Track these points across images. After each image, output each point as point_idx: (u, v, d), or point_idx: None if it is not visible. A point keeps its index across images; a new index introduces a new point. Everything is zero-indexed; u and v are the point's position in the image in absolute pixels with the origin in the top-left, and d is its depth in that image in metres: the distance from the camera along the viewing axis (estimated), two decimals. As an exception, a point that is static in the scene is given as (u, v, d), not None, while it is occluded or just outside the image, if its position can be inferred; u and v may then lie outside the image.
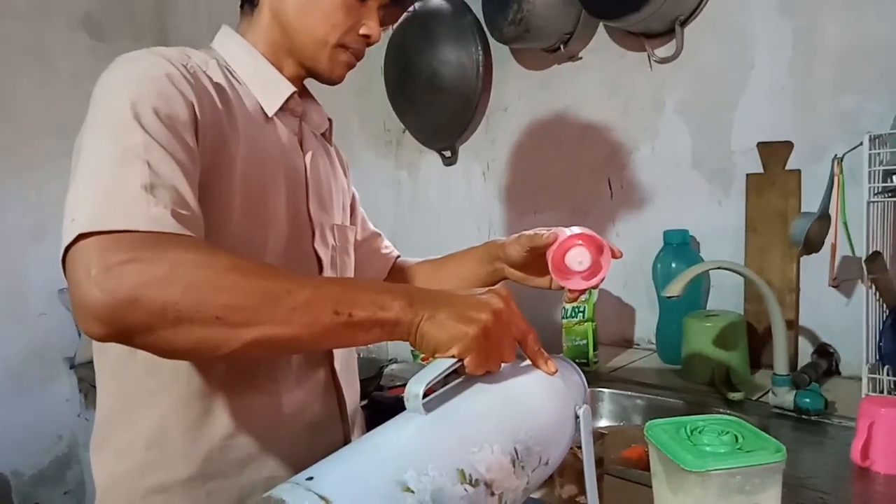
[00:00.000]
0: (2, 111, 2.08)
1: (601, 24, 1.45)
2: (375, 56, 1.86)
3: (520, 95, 1.64)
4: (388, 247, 1.05)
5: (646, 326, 1.46)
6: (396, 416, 0.53)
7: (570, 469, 0.71)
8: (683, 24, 1.31)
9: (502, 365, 0.59)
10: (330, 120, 0.91)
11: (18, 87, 2.11)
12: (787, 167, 1.23)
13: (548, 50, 1.52)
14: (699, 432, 0.63)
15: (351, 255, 0.92)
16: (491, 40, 1.57)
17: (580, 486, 0.71)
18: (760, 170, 1.26)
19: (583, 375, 0.66)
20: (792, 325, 1.20)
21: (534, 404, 0.57)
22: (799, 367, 1.15)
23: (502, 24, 1.42)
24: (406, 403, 0.52)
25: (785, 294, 1.21)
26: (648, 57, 1.38)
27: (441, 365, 0.54)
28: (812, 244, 1.06)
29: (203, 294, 0.51)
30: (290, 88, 0.80)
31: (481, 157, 1.75)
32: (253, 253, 0.73)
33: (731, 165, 1.30)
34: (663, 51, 1.37)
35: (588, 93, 1.51)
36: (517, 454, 0.53)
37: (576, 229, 0.76)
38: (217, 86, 0.72)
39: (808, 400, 0.99)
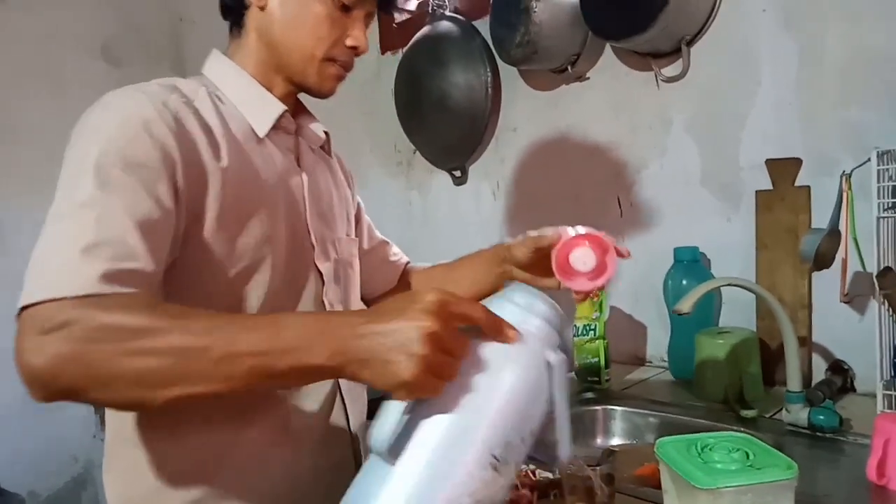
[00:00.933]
0: (17, 136, 2.12)
1: (608, 45, 1.47)
2: (386, 79, 1.89)
3: (528, 116, 1.66)
4: (396, 254, 1.06)
5: (657, 343, 1.45)
6: (365, 469, 0.53)
7: (579, 486, 0.71)
8: (690, 43, 1.33)
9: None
10: (326, 133, 0.92)
11: (33, 112, 2.15)
12: (797, 183, 1.23)
13: (555, 70, 1.53)
14: (710, 449, 0.63)
15: (356, 266, 0.93)
16: (499, 62, 1.59)
17: (590, 502, 0.71)
18: (769, 186, 1.26)
19: (552, 305, 0.58)
20: (805, 341, 1.19)
21: (502, 399, 0.53)
22: (813, 384, 1.14)
23: (510, 46, 1.44)
24: (372, 452, 0.52)
25: (797, 310, 1.21)
26: (655, 76, 1.40)
27: (394, 409, 0.52)
28: (823, 260, 1.06)
29: (112, 364, 0.54)
30: (280, 108, 0.80)
31: (491, 176, 1.76)
32: (254, 274, 0.74)
33: (740, 182, 1.31)
34: (670, 70, 1.38)
35: (596, 112, 1.52)
36: (497, 459, 0.51)
37: (581, 229, 0.75)
38: (201, 120, 0.72)
39: (822, 417, 0.98)
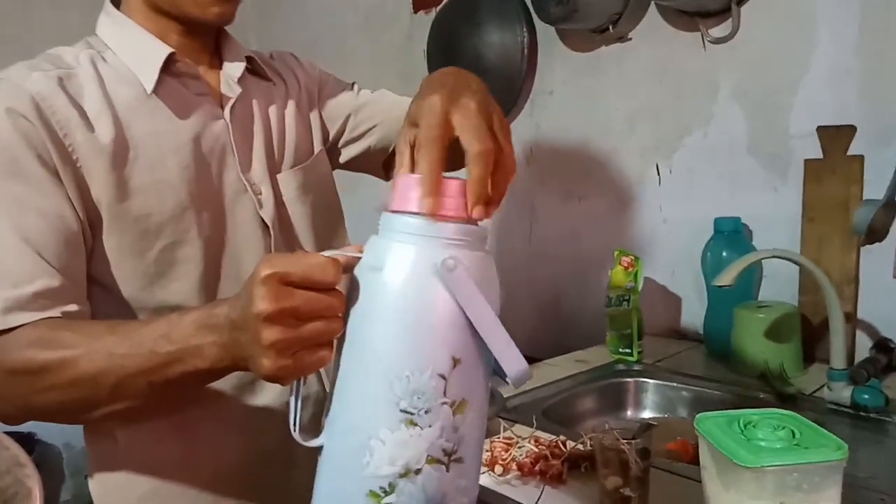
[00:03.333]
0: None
1: (652, 3, 1.40)
2: (419, 39, 1.84)
3: (565, 78, 1.60)
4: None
5: (693, 316, 1.42)
6: None
7: (613, 460, 0.69)
8: (740, 1, 1.26)
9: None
10: (249, 58, 0.82)
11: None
12: (850, 152, 1.16)
13: (595, 31, 1.47)
14: (753, 426, 0.60)
15: (320, 189, 0.86)
16: (536, 21, 1.53)
17: (624, 476, 0.69)
18: (820, 155, 1.20)
19: (422, 215, 0.47)
20: (850, 317, 1.14)
21: (381, 340, 0.45)
22: (856, 362, 1.10)
23: (549, 4, 1.38)
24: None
25: (843, 285, 1.16)
26: (702, 37, 1.33)
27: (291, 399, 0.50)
28: (876, 233, 1.00)
29: (27, 401, 0.57)
30: (163, 52, 0.72)
31: (525, 141, 1.71)
32: (180, 249, 0.71)
33: (789, 150, 1.25)
34: (718, 31, 1.31)
35: (637, 75, 1.46)
36: (409, 412, 0.44)
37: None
38: (74, 97, 0.67)
39: (866, 396, 0.94)
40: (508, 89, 1.65)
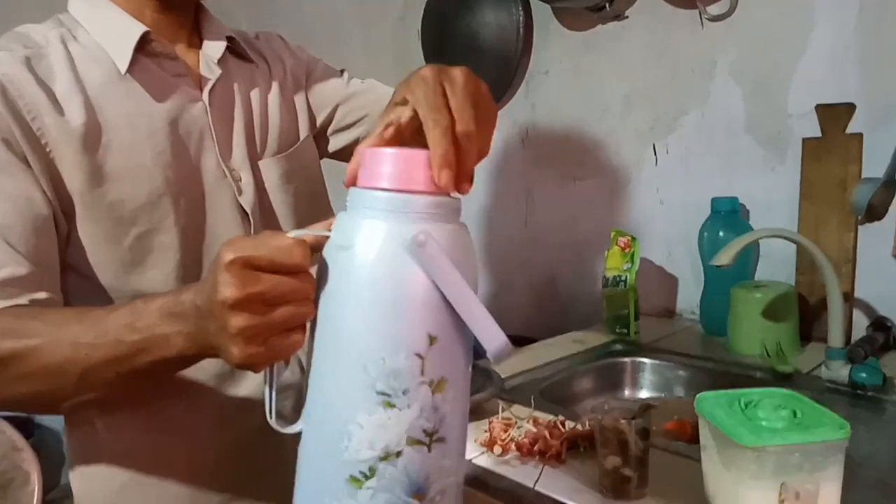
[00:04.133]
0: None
1: (650, -19, 1.38)
2: (412, 21, 1.81)
3: (561, 58, 1.58)
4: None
5: (689, 296, 1.42)
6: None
7: (613, 440, 0.69)
8: (739, -22, 1.24)
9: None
10: (230, 38, 0.78)
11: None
12: (848, 131, 1.16)
13: (592, 9, 1.45)
14: (754, 405, 0.60)
15: (305, 177, 0.83)
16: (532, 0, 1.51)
17: (624, 456, 0.69)
18: (818, 134, 1.19)
19: (395, 189, 0.45)
20: (847, 296, 1.15)
21: (351, 320, 0.44)
22: (853, 341, 1.10)
23: (545, -19, 1.36)
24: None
25: (841, 264, 1.16)
26: (700, 15, 1.31)
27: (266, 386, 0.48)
28: (875, 211, 1.00)
29: None
30: (139, 29, 0.69)
31: (520, 122, 1.70)
32: (155, 237, 0.68)
33: (787, 130, 1.24)
34: (716, 8, 1.29)
35: (634, 54, 1.44)
36: (386, 393, 0.42)
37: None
38: (41, 78, 0.64)
39: (864, 374, 0.94)
40: (504, 69, 1.63)
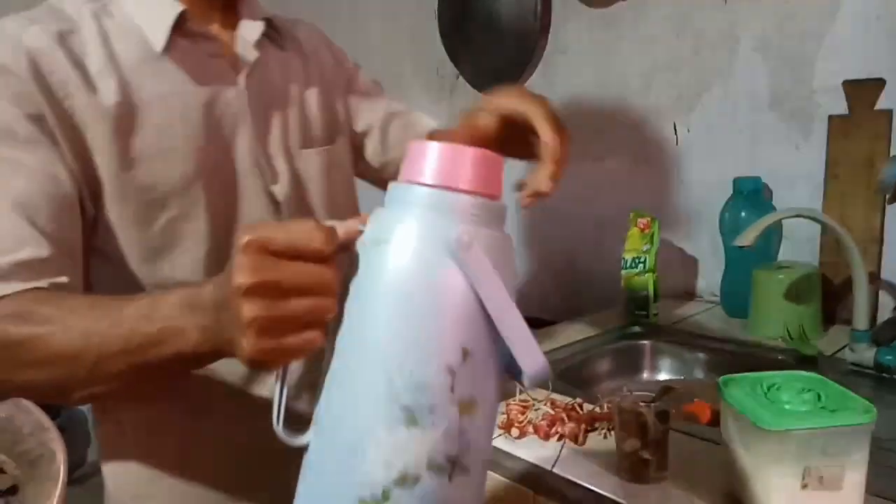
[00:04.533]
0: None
1: (671, -46, 1.34)
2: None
3: (580, 36, 1.55)
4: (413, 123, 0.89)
5: (710, 278, 1.40)
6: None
7: (632, 423, 0.69)
8: (764, -50, 1.20)
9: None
10: (268, 20, 0.75)
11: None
12: (877, 107, 1.12)
13: (612, -16, 1.42)
14: (777, 389, 0.59)
15: (340, 177, 0.81)
16: (551, -24, 1.49)
17: (643, 439, 0.68)
18: (846, 111, 1.16)
19: (437, 186, 0.41)
20: (873, 277, 1.12)
21: (380, 328, 0.39)
22: (878, 323, 1.08)
23: (564, -44, 1.33)
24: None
25: (867, 245, 1.13)
26: (723, -12, 1.28)
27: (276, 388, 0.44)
28: (903, 191, 0.98)
29: (10, 375, 0.54)
30: (175, 9, 0.66)
31: (538, 101, 1.68)
32: (186, 223, 0.67)
33: (813, 106, 1.20)
34: (740, -19, 1.26)
35: (655, 30, 1.41)
36: (410, 409, 0.38)
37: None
38: (75, 54, 0.62)
39: (890, 357, 0.92)
40: (522, 48, 1.61)
